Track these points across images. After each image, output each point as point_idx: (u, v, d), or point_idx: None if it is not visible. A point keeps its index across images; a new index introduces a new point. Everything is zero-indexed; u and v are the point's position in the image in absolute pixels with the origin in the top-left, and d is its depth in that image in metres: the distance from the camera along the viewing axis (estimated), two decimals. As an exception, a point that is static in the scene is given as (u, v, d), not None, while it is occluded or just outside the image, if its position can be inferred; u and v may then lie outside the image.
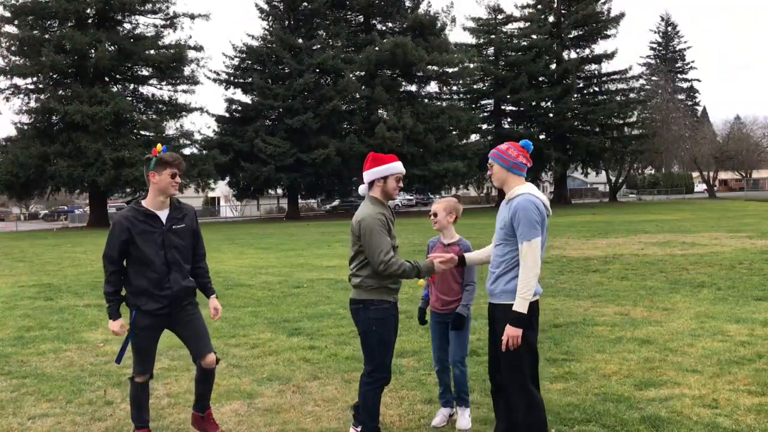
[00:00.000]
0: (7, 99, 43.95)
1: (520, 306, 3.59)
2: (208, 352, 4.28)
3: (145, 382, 4.23)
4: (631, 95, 57.71)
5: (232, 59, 50.38)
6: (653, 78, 64.99)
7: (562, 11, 57.50)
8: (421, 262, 4.14)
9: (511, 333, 3.61)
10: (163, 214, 4.13)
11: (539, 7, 58.01)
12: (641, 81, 63.15)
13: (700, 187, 79.32)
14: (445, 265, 4.18)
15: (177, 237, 4.14)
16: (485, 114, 57.65)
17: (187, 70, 45.59)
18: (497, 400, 3.94)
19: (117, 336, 4.21)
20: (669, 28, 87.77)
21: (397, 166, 4.16)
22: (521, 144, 3.79)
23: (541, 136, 55.87)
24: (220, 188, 61.99)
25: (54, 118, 42.14)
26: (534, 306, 3.69)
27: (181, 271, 4.16)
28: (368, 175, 4.16)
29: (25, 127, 42.94)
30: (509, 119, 58.66)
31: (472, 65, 51.86)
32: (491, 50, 57.05)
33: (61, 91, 42.11)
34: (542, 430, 3.73)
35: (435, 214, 4.58)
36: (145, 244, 4.02)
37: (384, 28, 52.11)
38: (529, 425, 3.72)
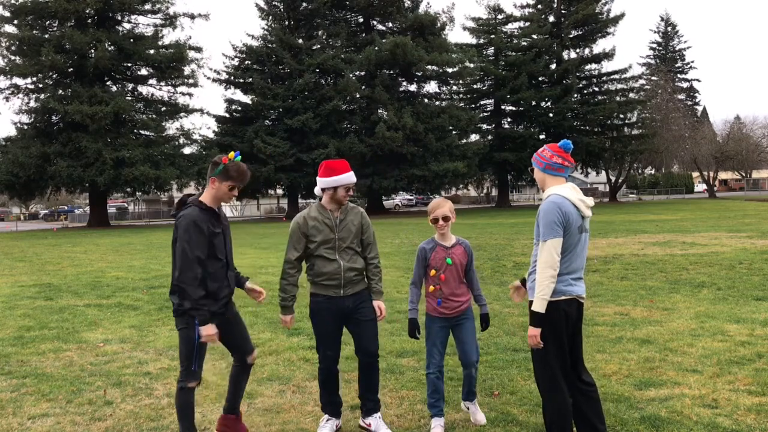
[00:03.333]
0: (7, 99, 44.02)
1: (537, 305, 3.61)
2: (253, 348, 4.43)
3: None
4: (631, 95, 57.64)
5: (232, 59, 50.38)
6: (653, 78, 64.95)
7: (562, 11, 57.48)
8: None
9: (529, 332, 3.67)
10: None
11: (539, 7, 57.99)
12: (641, 81, 63.11)
13: (700, 187, 79.34)
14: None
15: (229, 240, 4.24)
16: (485, 114, 57.63)
17: (186, 70, 45.61)
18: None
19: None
20: (669, 28, 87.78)
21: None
22: (559, 144, 3.78)
23: (541, 136, 55.85)
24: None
25: (54, 117, 42.15)
26: (563, 305, 3.66)
27: (232, 269, 4.25)
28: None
29: (25, 127, 42.94)
30: (509, 119, 58.63)
31: (472, 65, 51.84)
32: (491, 50, 57.01)
33: (61, 91, 42.09)
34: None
35: (446, 218, 4.41)
36: (213, 252, 4.03)
37: (384, 28, 52.07)
38: (550, 426, 3.72)
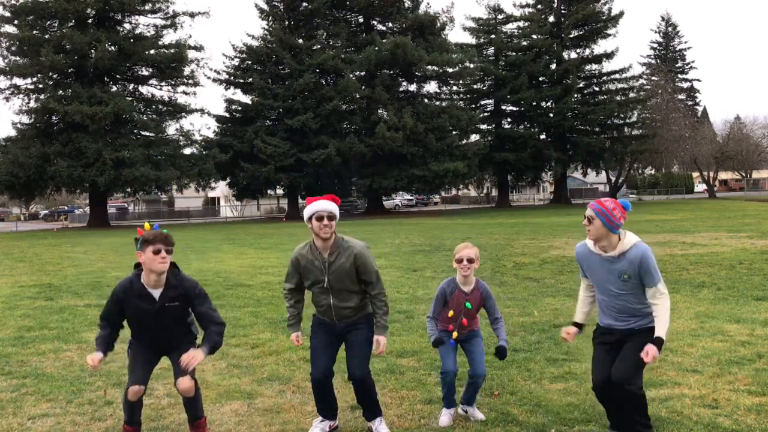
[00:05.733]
0: (7, 99, 44.04)
1: (666, 334, 3.97)
2: (180, 377, 4.29)
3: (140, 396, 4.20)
4: (631, 95, 57.69)
5: (232, 59, 50.39)
6: (653, 78, 64.95)
7: (562, 11, 57.49)
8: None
9: (657, 355, 3.93)
10: (157, 292, 4.10)
11: (539, 6, 58.01)
12: (641, 81, 63.12)
13: (700, 187, 79.26)
14: None
15: (169, 315, 4.13)
16: (485, 114, 57.65)
17: (187, 70, 45.58)
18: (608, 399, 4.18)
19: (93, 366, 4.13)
20: (669, 28, 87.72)
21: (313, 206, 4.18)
22: (623, 205, 4.12)
23: (541, 136, 55.89)
24: (220, 188, 61.99)
25: (54, 118, 42.12)
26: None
27: (171, 339, 4.24)
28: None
29: (25, 127, 42.93)
30: (509, 119, 58.67)
31: (472, 65, 51.85)
32: (491, 50, 57.04)
33: (61, 91, 42.09)
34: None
35: (471, 260, 4.51)
36: (138, 320, 4.16)
37: (384, 28, 52.09)
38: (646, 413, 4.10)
